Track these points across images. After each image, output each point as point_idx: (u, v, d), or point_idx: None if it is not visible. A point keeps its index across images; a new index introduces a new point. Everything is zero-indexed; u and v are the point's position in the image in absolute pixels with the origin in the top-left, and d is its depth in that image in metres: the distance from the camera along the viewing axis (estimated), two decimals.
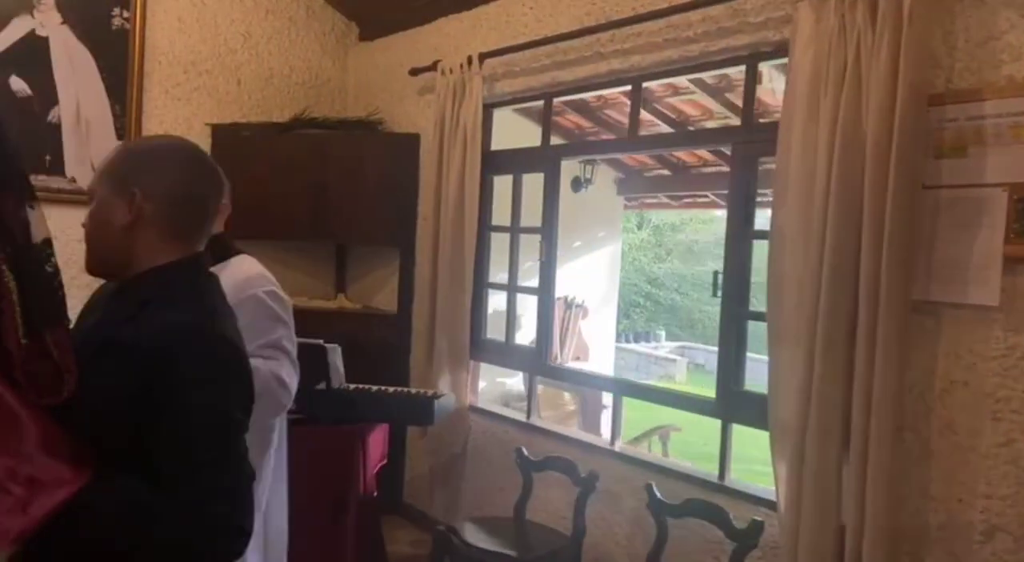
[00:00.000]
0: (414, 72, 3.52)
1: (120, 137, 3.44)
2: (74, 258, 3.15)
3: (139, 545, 0.99)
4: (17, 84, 3.18)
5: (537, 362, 3.11)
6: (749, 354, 2.34)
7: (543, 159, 3.08)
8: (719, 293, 2.32)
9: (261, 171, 3.71)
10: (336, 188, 3.66)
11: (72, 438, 1.01)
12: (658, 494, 2.20)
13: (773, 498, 2.15)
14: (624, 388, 2.87)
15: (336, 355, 2.64)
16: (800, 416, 1.93)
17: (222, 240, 1.87)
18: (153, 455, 1.02)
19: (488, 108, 3.21)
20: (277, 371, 1.72)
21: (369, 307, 3.87)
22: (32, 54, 3.20)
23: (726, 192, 2.62)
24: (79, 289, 1.39)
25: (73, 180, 3.35)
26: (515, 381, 4.32)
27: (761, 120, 2.47)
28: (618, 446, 2.71)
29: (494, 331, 3.43)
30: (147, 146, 1.29)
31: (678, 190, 5.73)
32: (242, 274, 1.80)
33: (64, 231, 3.33)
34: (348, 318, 3.79)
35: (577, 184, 5.17)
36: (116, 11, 3.37)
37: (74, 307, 1.25)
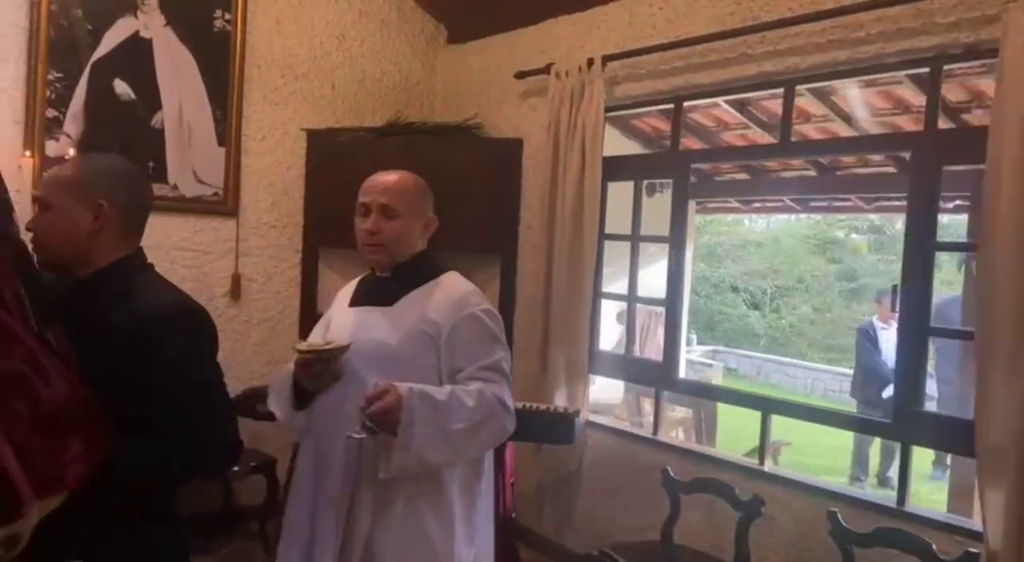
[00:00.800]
0: (520, 75, 3.41)
1: (221, 143, 3.34)
2: (176, 265, 3.08)
3: (160, 469, 1.32)
4: (121, 87, 3.09)
5: (663, 375, 2.99)
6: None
7: (672, 164, 2.96)
8: (896, 308, 2.19)
9: (356, 177, 3.59)
10: (436, 195, 3.55)
11: (92, 399, 1.26)
12: (843, 521, 2.08)
13: (960, 524, 2.03)
14: (771, 405, 2.74)
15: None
16: (1018, 442, 1.81)
17: (429, 257, 1.77)
18: (153, 412, 1.29)
19: (607, 112, 3.10)
20: (500, 395, 1.62)
21: None
22: (136, 57, 3.10)
23: (875, 195, 2.50)
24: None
25: (175, 187, 3.25)
26: (599, 391, 4.21)
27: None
28: (767, 466, 2.59)
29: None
30: (106, 163, 1.47)
31: (752, 194, 5.59)
32: (456, 292, 1.70)
33: (166, 238, 3.25)
34: None
35: (652, 188, 5.05)
36: (218, 13, 3.28)
37: None
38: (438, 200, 3.64)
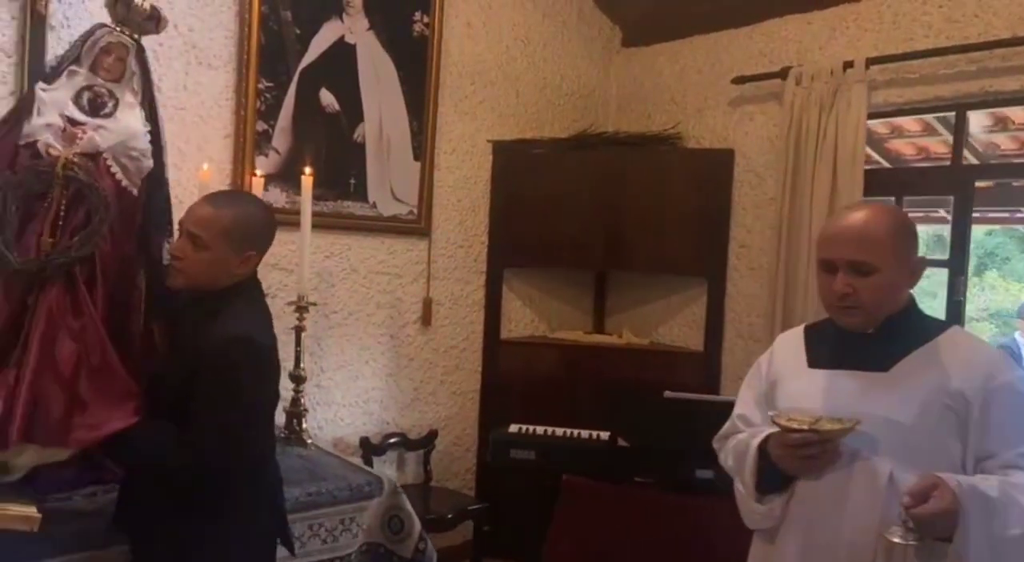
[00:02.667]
0: (740, 80, 3.12)
1: (416, 158, 3.06)
2: (372, 290, 2.78)
3: (159, 464, 1.59)
4: (327, 98, 2.81)
5: None
6: None
7: (952, 180, 2.66)
8: None
9: (545, 191, 3.33)
10: (633, 211, 3.27)
11: (139, 392, 1.66)
12: None
13: None
14: None
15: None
16: None
17: (917, 308, 1.46)
18: (190, 415, 1.56)
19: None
20: None
21: (658, 343, 3.47)
22: (341, 64, 2.83)
23: None
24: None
25: (374, 205, 2.97)
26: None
27: None
28: None
29: None
30: (256, 214, 1.73)
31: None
32: (979, 355, 1.39)
33: (364, 262, 2.98)
34: (631, 355, 3.39)
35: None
36: (417, 15, 3.00)
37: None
38: (636, 217, 3.40)
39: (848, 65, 2.74)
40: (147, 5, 1.86)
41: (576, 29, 3.59)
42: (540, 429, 2.58)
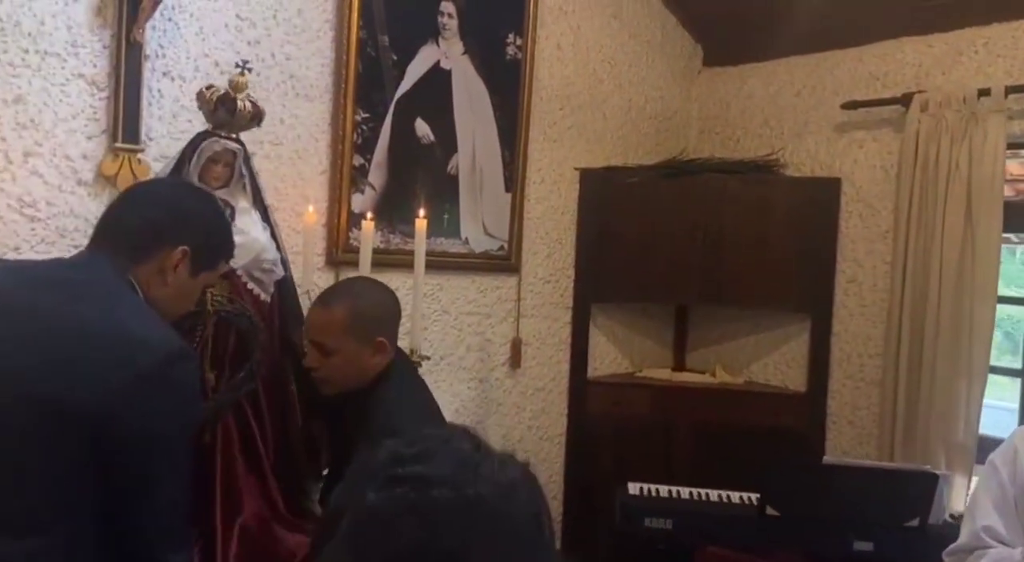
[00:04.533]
0: (852, 105, 2.93)
1: (507, 189, 2.85)
2: (464, 332, 2.61)
3: None
4: (422, 129, 2.60)
5: None
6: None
7: None
8: None
9: (635, 222, 3.13)
10: (729, 242, 3.07)
11: None
12: None
13: None
14: None
15: (947, 485, 2.03)
16: None
17: None
18: None
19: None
20: None
21: (755, 383, 3.27)
22: (436, 92, 2.62)
23: None
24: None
25: (466, 241, 2.76)
26: None
27: None
28: None
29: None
30: (372, 299, 1.73)
31: None
32: None
33: (455, 303, 2.77)
34: (726, 396, 3.19)
35: None
36: (511, 38, 2.80)
37: None
38: (733, 249, 3.20)
39: (984, 93, 2.55)
40: (248, 105, 1.75)
41: (660, 48, 3.40)
42: (664, 490, 2.38)
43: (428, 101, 2.59)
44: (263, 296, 1.73)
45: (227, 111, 1.70)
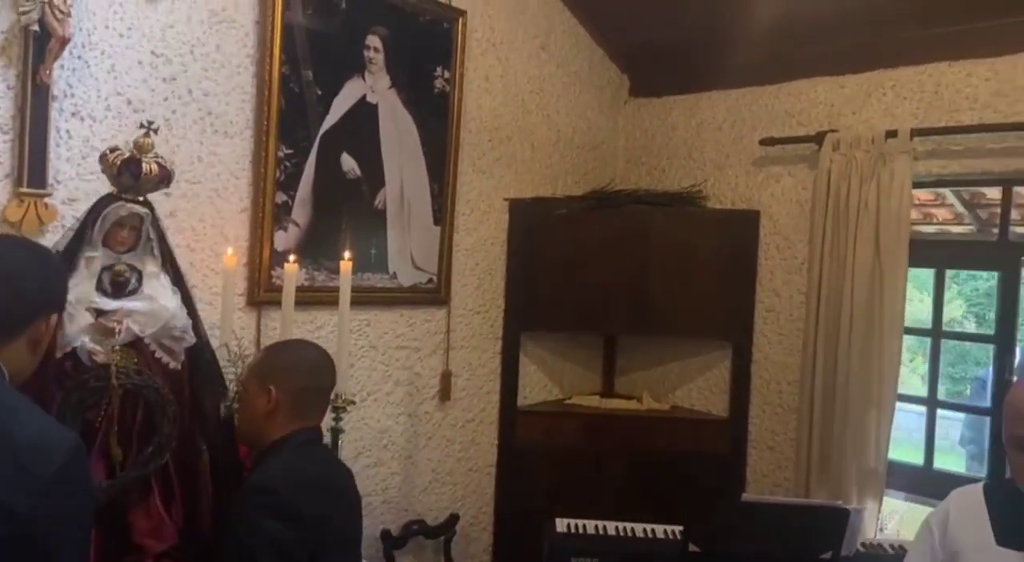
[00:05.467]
0: (770, 141, 3.04)
1: (436, 222, 2.85)
2: (392, 367, 2.64)
3: None
4: (348, 163, 2.56)
5: None
6: None
7: (998, 255, 2.63)
8: None
9: (564, 251, 3.17)
10: (658, 272, 3.13)
11: None
12: None
13: None
14: None
15: (860, 519, 2.11)
16: None
17: None
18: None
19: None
20: None
21: (680, 408, 3.34)
22: (362, 126, 2.59)
23: None
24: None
25: (394, 276, 2.73)
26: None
27: None
28: None
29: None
30: (287, 353, 1.77)
31: None
32: None
33: (383, 337, 2.74)
34: (653, 422, 3.25)
35: None
36: (439, 70, 2.79)
37: None
38: (659, 278, 3.26)
39: (891, 134, 2.68)
40: (155, 167, 1.68)
41: (588, 79, 3.45)
42: (591, 526, 2.40)
43: (354, 135, 2.56)
44: (173, 365, 1.67)
45: (132, 175, 1.63)
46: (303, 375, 1.70)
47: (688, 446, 3.17)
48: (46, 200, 1.89)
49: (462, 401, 3.05)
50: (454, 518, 2.95)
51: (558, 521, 2.43)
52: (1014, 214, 3.07)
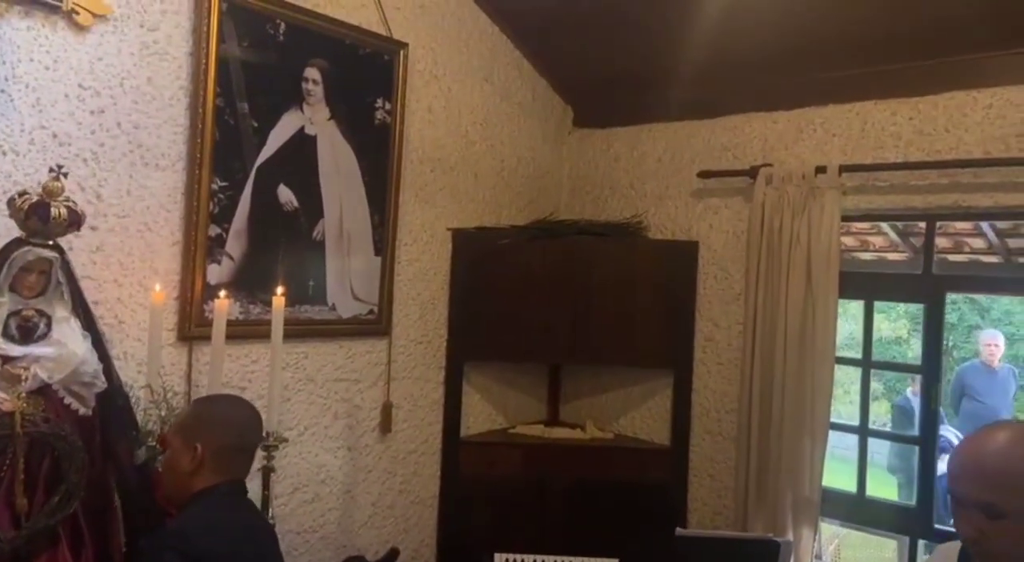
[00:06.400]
0: (707, 174, 3.11)
1: (377, 252, 2.83)
2: (330, 400, 2.67)
3: None
4: (285, 195, 2.54)
5: (919, 524, 2.70)
6: None
7: (922, 288, 2.72)
8: None
9: (508, 281, 3.18)
10: (601, 302, 3.16)
11: None
12: None
13: None
14: None
15: (789, 551, 2.15)
16: None
17: None
18: None
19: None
20: None
21: (623, 437, 3.36)
22: (300, 158, 2.57)
23: None
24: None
25: (333, 307, 2.71)
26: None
27: None
28: None
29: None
30: (215, 410, 1.76)
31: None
32: None
33: (321, 370, 2.72)
34: (596, 452, 3.26)
35: None
36: (379, 102, 2.79)
37: None
38: (600, 308, 3.29)
39: (820, 170, 2.77)
40: (63, 211, 1.66)
41: (532, 110, 3.49)
42: (529, 559, 2.39)
43: (292, 167, 2.54)
44: (82, 411, 1.62)
45: (40, 219, 1.59)
46: (230, 433, 1.70)
47: (631, 475, 3.19)
48: None
49: (404, 433, 3.02)
50: (394, 553, 2.90)
51: (497, 556, 2.42)
52: (942, 243, 3.18)
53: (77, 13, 1.98)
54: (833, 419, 2.82)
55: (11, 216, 1.67)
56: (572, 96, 3.64)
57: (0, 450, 1.45)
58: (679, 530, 2.15)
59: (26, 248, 1.59)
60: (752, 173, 2.95)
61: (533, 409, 3.52)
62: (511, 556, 2.40)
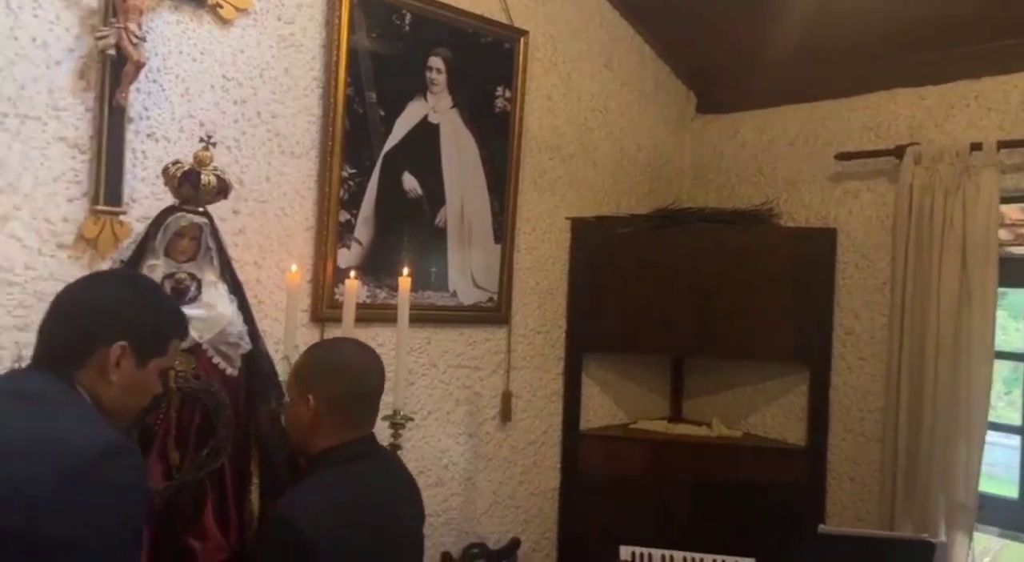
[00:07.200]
0: (846, 156, 2.91)
1: (497, 240, 2.83)
2: (451, 386, 2.77)
3: None
4: (409, 183, 2.59)
5: None
6: None
7: None
8: None
9: (627, 271, 3.10)
10: (727, 293, 3.03)
11: None
12: None
13: None
14: None
15: (944, 554, 1.96)
16: None
17: None
18: None
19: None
20: None
21: (753, 436, 3.20)
22: (424, 146, 2.61)
23: None
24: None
25: (454, 294, 2.73)
26: None
27: None
28: None
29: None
30: (326, 356, 1.67)
31: None
32: None
33: (443, 356, 2.72)
34: (723, 450, 3.11)
35: None
36: (500, 90, 2.80)
37: None
38: (727, 299, 3.16)
39: (975, 147, 2.53)
40: (213, 179, 1.74)
41: (652, 97, 3.40)
42: (657, 555, 2.31)
43: (416, 155, 2.58)
44: (229, 370, 1.69)
45: (191, 186, 1.68)
46: (344, 380, 1.60)
47: (762, 475, 3.02)
48: (121, 217, 1.96)
49: (523, 422, 3.00)
50: (516, 543, 2.89)
51: (623, 549, 2.35)
52: None
53: (221, 7, 2.09)
54: (991, 419, 2.56)
55: (165, 184, 1.77)
56: (695, 82, 3.52)
57: (155, 406, 1.53)
58: (822, 527, 2.00)
59: (179, 214, 1.68)
60: (898, 153, 2.73)
61: (654, 404, 3.42)
62: (638, 549, 2.32)
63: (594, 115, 3.19)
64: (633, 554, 2.31)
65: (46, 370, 1.20)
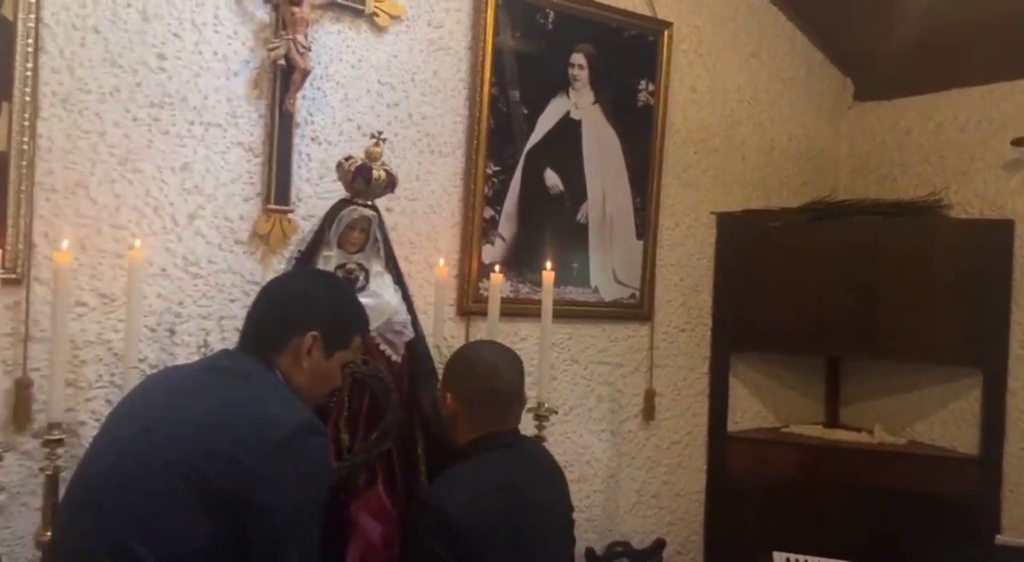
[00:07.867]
0: (1021, 142, 2.64)
1: (639, 236, 2.81)
2: (593, 382, 2.72)
3: None
4: (551, 179, 2.62)
5: None
6: None
7: None
8: None
9: (780, 268, 2.97)
10: (889, 290, 2.82)
11: None
12: None
13: None
14: None
15: None
16: None
17: None
18: None
19: None
20: None
21: (918, 443, 2.97)
22: (565, 142, 2.64)
23: None
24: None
25: (596, 290, 2.73)
26: None
27: None
28: None
29: None
30: (460, 359, 1.78)
31: None
32: None
33: (584, 351, 2.72)
34: (883, 458, 2.90)
35: None
36: (643, 84, 2.77)
37: None
38: (890, 297, 2.96)
39: None
40: (383, 174, 1.85)
41: (805, 85, 3.25)
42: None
43: (558, 152, 2.61)
44: (394, 357, 1.79)
45: (364, 180, 1.80)
46: (476, 381, 1.69)
47: (928, 485, 2.79)
48: (289, 216, 2.12)
49: (667, 422, 2.95)
50: (661, 544, 2.84)
51: (777, 555, 2.25)
52: None
53: (377, 15, 2.22)
54: None
55: (339, 178, 1.91)
56: (852, 68, 3.32)
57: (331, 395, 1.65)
58: (1000, 538, 1.83)
59: (351, 207, 1.81)
60: None
61: (807, 408, 3.24)
62: (793, 556, 2.21)
63: (741, 106, 3.09)
64: (788, 560, 2.20)
65: (251, 353, 1.36)
